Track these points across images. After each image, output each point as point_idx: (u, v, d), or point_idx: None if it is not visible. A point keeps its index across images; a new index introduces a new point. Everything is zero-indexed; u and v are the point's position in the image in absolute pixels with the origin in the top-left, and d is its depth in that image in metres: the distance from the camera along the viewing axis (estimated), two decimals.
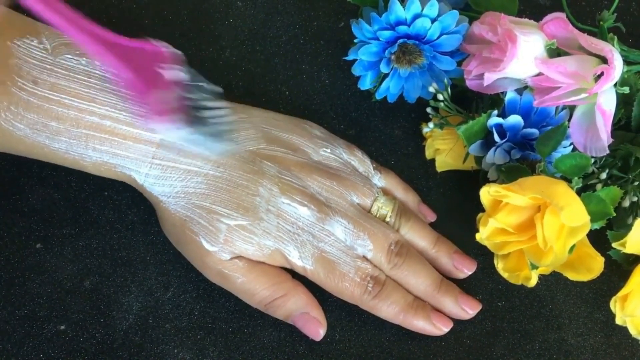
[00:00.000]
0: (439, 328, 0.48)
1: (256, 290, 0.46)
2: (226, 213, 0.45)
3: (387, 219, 0.48)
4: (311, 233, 0.46)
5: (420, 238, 0.49)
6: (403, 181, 0.51)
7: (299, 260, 0.46)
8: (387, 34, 0.47)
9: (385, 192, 0.50)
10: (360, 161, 0.50)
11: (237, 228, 0.45)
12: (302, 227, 0.46)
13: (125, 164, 0.46)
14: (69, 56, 0.45)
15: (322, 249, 0.46)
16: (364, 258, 0.47)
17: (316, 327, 0.47)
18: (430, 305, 0.48)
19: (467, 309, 0.48)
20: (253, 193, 0.46)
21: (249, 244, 0.46)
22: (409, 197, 0.51)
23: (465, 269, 0.49)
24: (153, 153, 0.46)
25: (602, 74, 0.42)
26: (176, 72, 0.44)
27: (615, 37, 0.45)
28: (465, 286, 0.49)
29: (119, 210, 0.50)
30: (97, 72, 0.45)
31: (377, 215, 0.48)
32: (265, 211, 0.46)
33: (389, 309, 0.47)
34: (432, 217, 0.51)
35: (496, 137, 0.47)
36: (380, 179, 0.50)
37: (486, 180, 0.49)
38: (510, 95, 0.47)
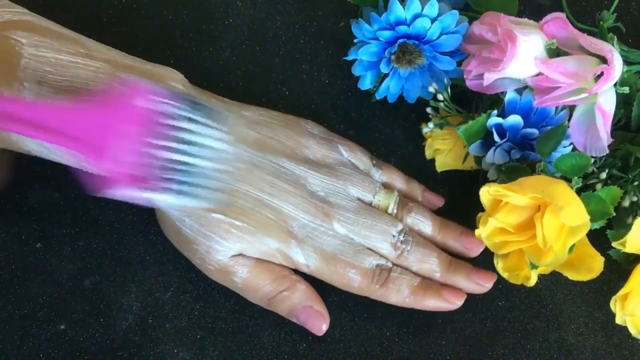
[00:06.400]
0: (453, 302, 0.47)
1: (259, 285, 0.46)
2: (226, 214, 0.45)
3: (389, 212, 0.48)
4: (313, 230, 0.46)
5: (425, 226, 0.49)
6: (404, 173, 0.51)
7: (302, 258, 0.46)
8: (387, 33, 0.47)
9: (386, 187, 0.50)
10: (359, 159, 0.50)
11: (238, 229, 0.45)
12: (304, 224, 0.46)
13: None
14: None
15: (325, 246, 0.46)
16: (369, 250, 0.47)
17: (319, 321, 0.47)
18: (439, 283, 0.48)
19: (482, 282, 0.48)
20: (252, 193, 0.46)
21: (250, 245, 0.46)
22: (412, 187, 0.51)
23: (475, 247, 0.49)
24: None
25: (602, 74, 0.42)
26: (152, 110, 0.40)
27: (615, 37, 0.45)
28: None
29: (119, 210, 0.50)
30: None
31: (379, 208, 0.48)
32: (265, 211, 0.46)
33: (398, 295, 0.47)
34: (439, 202, 0.51)
35: (496, 137, 0.47)
36: (381, 175, 0.50)
37: (486, 180, 0.49)
38: (510, 95, 0.47)
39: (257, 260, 0.46)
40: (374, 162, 0.51)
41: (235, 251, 0.46)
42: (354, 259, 0.46)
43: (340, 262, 0.46)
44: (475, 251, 0.49)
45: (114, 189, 0.40)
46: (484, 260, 0.50)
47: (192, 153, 0.42)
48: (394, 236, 0.47)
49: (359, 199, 0.48)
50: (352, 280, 0.47)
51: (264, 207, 0.46)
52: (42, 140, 0.40)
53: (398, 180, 0.51)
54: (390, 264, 0.47)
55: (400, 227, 0.48)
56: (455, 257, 0.49)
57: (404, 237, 0.48)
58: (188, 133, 0.41)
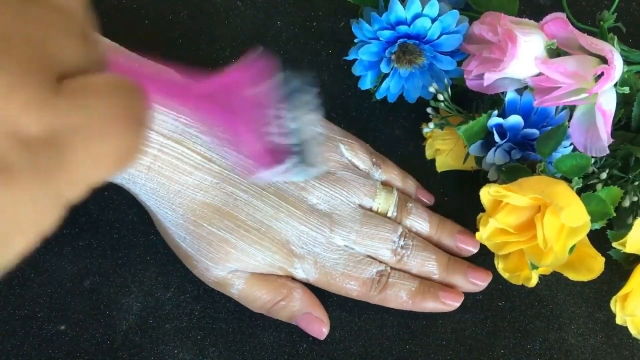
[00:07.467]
0: (450, 305, 0.48)
1: (256, 296, 0.46)
2: (224, 232, 0.45)
3: (389, 214, 0.48)
4: (314, 247, 0.46)
5: (423, 227, 0.49)
6: (400, 170, 0.51)
7: (302, 274, 0.46)
8: (387, 33, 0.47)
9: (385, 184, 0.50)
10: (360, 158, 0.50)
11: (239, 251, 0.45)
12: (305, 242, 0.46)
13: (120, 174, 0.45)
14: None
15: (325, 261, 0.46)
16: (369, 258, 0.47)
17: (319, 327, 0.47)
18: (437, 284, 0.48)
19: (478, 281, 0.49)
20: (253, 210, 0.46)
21: (251, 265, 0.46)
22: (407, 185, 0.51)
23: (469, 247, 0.49)
24: (149, 164, 0.45)
25: (602, 74, 0.42)
26: (269, 90, 0.37)
27: (615, 37, 0.45)
28: None
29: (119, 210, 0.50)
30: None
31: (379, 211, 0.48)
32: (265, 228, 0.46)
33: (397, 299, 0.47)
34: (430, 200, 0.51)
35: (496, 138, 0.47)
36: (380, 174, 0.50)
37: (486, 181, 0.49)
38: (510, 95, 0.47)
39: (254, 272, 0.46)
40: (374, 159, 0.50)
41: (233, 269, 0.46)
42: (354, 271, 0.47)
43: (341, 275, 0.46)
44: (470, 250, 0.50)
45: (260, 171, 0.37)
46: (484, 261, 0.50)
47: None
48: (394, 242, 0.47)
49: (360, 206, 0.48)
50: (351, 290, 0.47)
51: (266, 226, 0.46)
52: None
53: (396, 178, 0.51)
54: (388, 269, 0.47)
55: (400, 230, 0.48)
56: (451, 254, 0.49)
57: (404, 241, 0.48)
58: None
